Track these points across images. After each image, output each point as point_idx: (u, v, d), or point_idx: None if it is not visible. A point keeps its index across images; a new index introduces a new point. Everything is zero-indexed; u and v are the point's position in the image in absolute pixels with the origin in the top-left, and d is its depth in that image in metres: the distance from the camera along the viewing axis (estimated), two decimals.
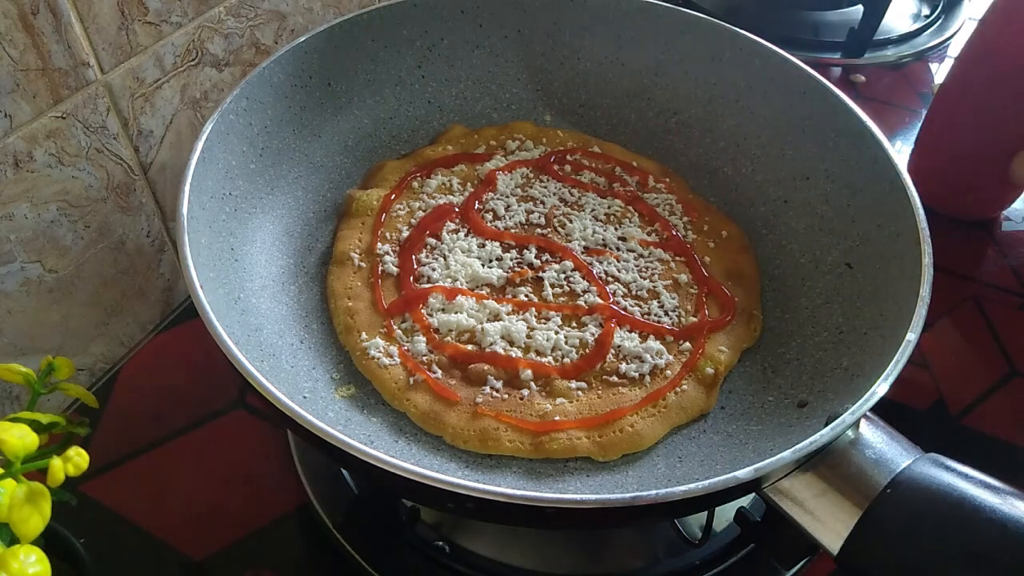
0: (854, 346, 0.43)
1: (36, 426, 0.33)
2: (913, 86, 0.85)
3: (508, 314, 0.47)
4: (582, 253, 0.51)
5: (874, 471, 0.34)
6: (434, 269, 0.49)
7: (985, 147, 0.64)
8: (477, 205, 0.53)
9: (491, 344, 0.45)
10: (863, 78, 0.85)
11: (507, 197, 0.54)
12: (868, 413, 0.36)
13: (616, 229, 0.53)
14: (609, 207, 0.54)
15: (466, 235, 0.52)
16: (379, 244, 0.51)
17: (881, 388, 0.36)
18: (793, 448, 0.33)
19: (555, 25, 0.60)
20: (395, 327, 0.47)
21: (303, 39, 0.52)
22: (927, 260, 0.41)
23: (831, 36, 0.88)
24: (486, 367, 0.44)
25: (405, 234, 0.51)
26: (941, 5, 0.93)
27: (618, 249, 0.52)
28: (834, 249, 0.49)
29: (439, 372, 0.45)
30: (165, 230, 0.57)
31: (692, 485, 0.32)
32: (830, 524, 0.34)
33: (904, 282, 0.42)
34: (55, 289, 0.50)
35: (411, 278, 0.49)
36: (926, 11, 0.94)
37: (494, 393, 0.44)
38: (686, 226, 0.54)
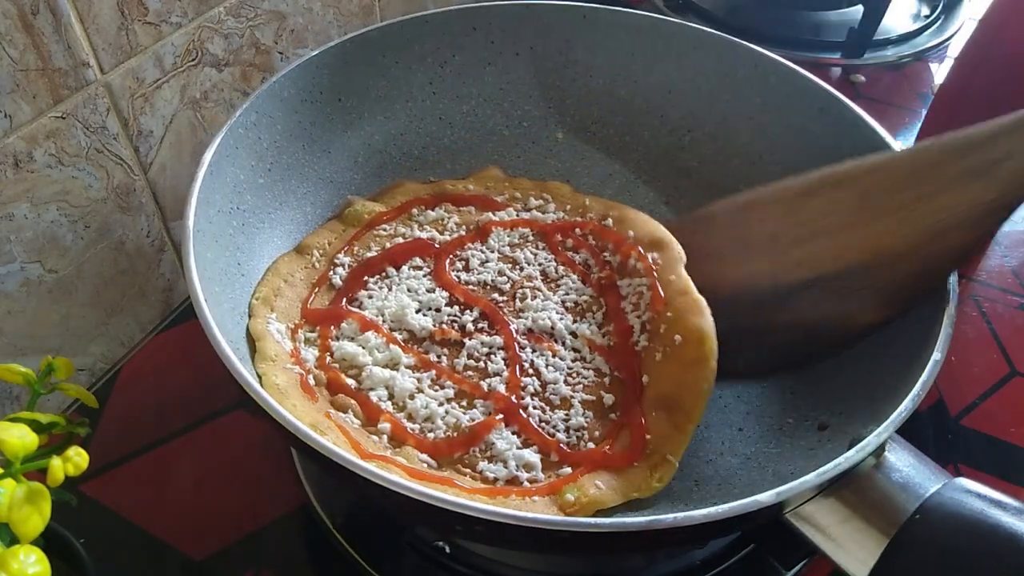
0: (876, 367, 0.42)
1: (36, 426, 0.33)
2: (913, 86, 0.85)
3: (407, 367, 0.45)
4: (523, 334, 0.47)
5: (901, 497, 0.33)
6: (371, 296, 0.49)
7: None
8: (457, 251, 0.52)
9: (370, 388, 0.44)
10: (863, 78, 0.85)
11: (491, 252, 0.52)
12: (893, 435, 0.34)
13: (573, 322, 0.48)
14: (580, 295, 0.49)
15: (424, 275, 0.50)
16: (341, 255, 0.51)
17: (907, 409, 0.35)
18: (817, 471, 0.32)
19: (567, 43, 0.59)
20: (301, 331, 0.47)
21: (314, 54, 0.52)
22: (952, 278, 0.40)
23: (831, 36, 0.88)
24: (352, 402, 0.43)
25: (372, 253, 0.51)
26: (941, 5, 0.93)
27: (562, 344, 0.47)
28: None
29: (312, 382, 0.44)
30: (165, 230, 0.57)
31: (711, 510, 0.31)
32: (856, 552, 0.32)
33: (928, 301, 0.40)
34: (55, 289, 0.50)
35: (344, 299, 0.49)
36: (926, 11, 0.94)
37: (349, 421, 0.42)
38: (644, 325, 0.46)
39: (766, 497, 0.31)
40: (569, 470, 0.41)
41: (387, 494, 0.31)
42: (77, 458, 0.30)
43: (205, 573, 0.46)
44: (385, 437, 0.42)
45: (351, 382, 0.44)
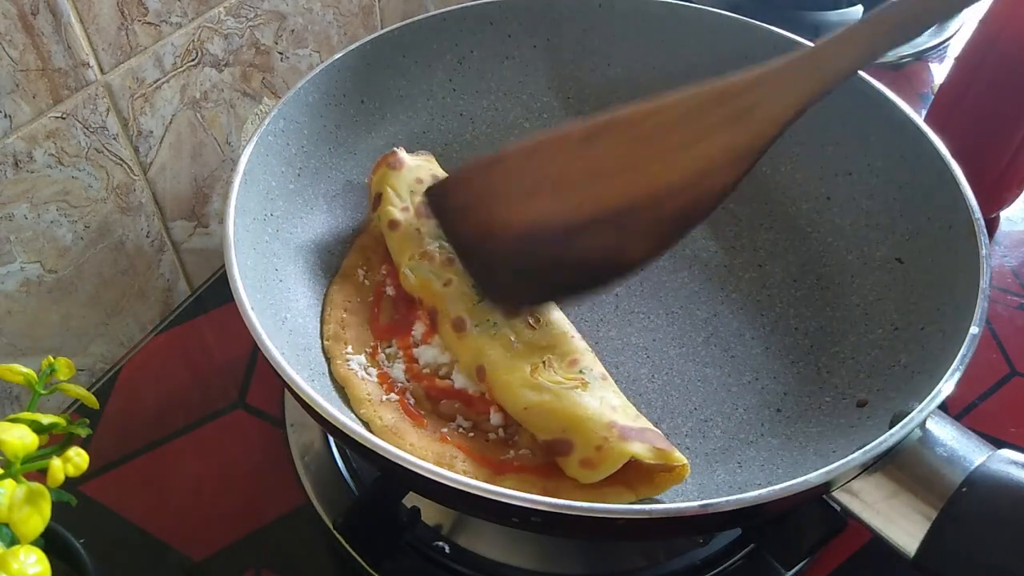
0: (911, 342, 0.42)
1: (36, 426, 0.33)
2: (913, 86, 0.85)
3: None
4: None
5: (947, 470, 0.33)
6: None
7: (985, 147, 0.64)
8: None
9: (463, 382, 0.44)
10: None
11: None
12: (935, 410, 0.34)
13: None
14: None
15: None
16: (385, 266, 0.51)
17: (948, 384, 0.35)
18: (863, 449, 0.32)
19: (584, 32, 0.59)
20: (380, 351, 0.47)
21: (336, 58, 0.52)
22: (984, 251, 0.40)
23: None
24: (457, 405, 0.44)
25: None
26: None
27: None
28: (883, 245, 0.48)
29: (412, 400, 0.44)
30: (165, 230, 0.57)
31: (761, 491, 0.31)
32: (904, 526, 0.33)
33: (961, 275, 0.41)
34: (55, 289, 0.50)
35: (407, 303, 0.49)
36: None
37: (460, 429, 0.43)
38: None
39: (815, 477, 0.32)
40: None
41: (452, 493, 0.33)
42: (77, 458, 0.30)
43: (205, 573, 0.46)
44: (501, 431, 0.43)
45: (448, 382, 0.45)
